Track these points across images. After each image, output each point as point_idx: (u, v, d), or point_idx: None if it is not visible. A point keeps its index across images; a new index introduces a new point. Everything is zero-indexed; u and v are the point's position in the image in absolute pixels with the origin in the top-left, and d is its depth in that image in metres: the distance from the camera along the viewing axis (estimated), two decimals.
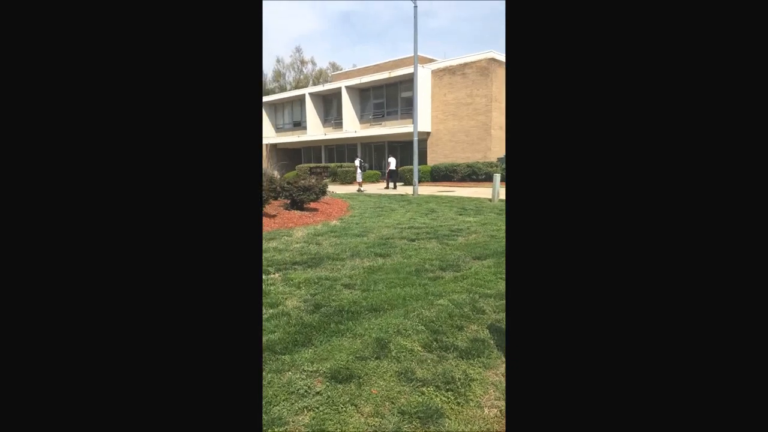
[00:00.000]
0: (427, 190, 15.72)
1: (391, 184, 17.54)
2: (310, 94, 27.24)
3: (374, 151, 25.38)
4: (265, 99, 31.01)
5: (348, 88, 25.04)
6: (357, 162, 19.15)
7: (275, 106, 31.09)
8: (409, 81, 21.58)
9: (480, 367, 2.45)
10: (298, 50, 64.15)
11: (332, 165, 24.89)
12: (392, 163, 17.82)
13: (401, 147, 23.82)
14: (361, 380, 2.30)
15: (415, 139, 13.60)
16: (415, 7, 12.89)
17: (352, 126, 25.30)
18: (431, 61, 23.14)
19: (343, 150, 26.86)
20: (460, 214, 8.50)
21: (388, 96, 24.11)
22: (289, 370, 2.40)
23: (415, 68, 13.43)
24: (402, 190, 15.94)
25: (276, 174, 24.95)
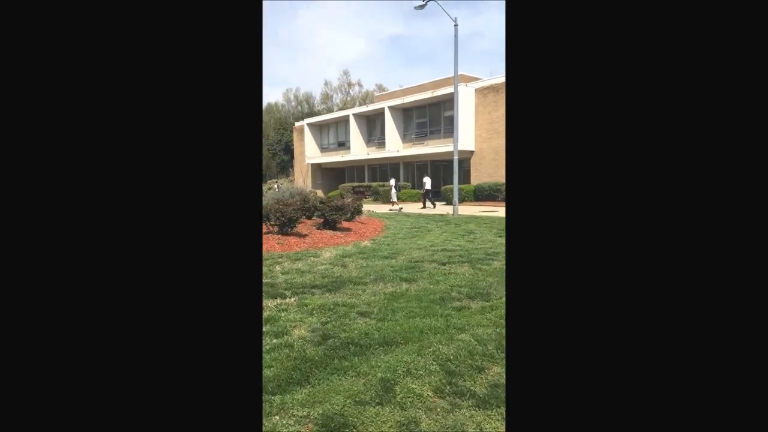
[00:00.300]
0: (468, 210, 15.23)
1: (429, 204, 17.42)
2: (354, 114, 27.60)
3: (417, 171, 25.17)
4: (310, 120, 31.79)
5: (391, 108, 25.13)
6: (392, 182, 19.20)
7: (320, 126, 31.76)
8: (452, 100, 21.34)
9: (498, 419, 2.08)
10: (346, 73, 65.83)
11: (374, 184, 24.87)
12: (427, 182, 17.73)
13: (444, 166, 23.46)
14: (355, 430, 1.99)
15: (455, 157, 13.25)
16: (456, 25, 12.71)
17: (395, 145, 25.28)
18: (476, 79, 22.82)
19: (386, 169, 26.85)
20: (500, 236, 8.02)
21: (431, 115, 23.96)
22: (277, 414, 2.13)
23: (456, 86, 13.16)
24: (442, 209, 15.53)
25: (319, 192, 25.22)
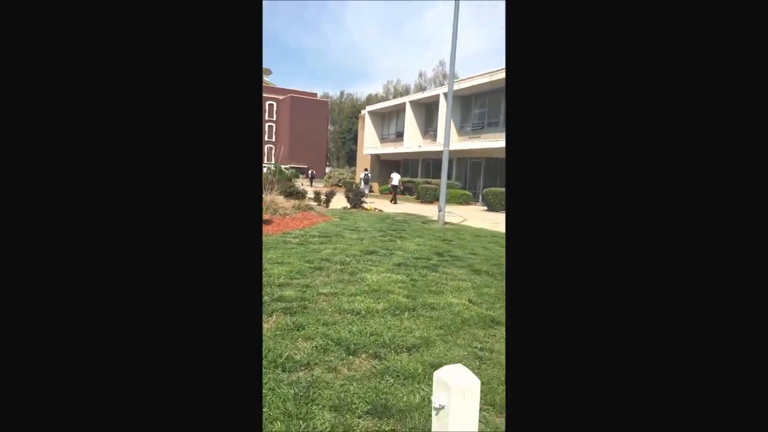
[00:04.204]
0: (478, 218, 12.00)
1: (387, 201, 17.70)
2: (411, 102, 24.94)
3: (470, 168, 21.79)
4: (372, 108, 29.83)
5: (447, 95, 22.01)
6: (362, 174, 18.70)
7: (382, 115, 29.63)
8: None
9: None
10: (441, 64, 62.68)
11: (417, 180, 22.16)
12: (395, 178, 17.81)
13: (504, 165, 19.76)
14: None
15: (446, 149, 10.18)
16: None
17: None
18: None
19: (439, 164, 23.83)
20: (393, 271, 5.11)
21: (491, 105, 20.39)
22: None
23: (451, 75, 10.12)
24: (454, 214, 12.39)
25: (375, 185, 23.00)
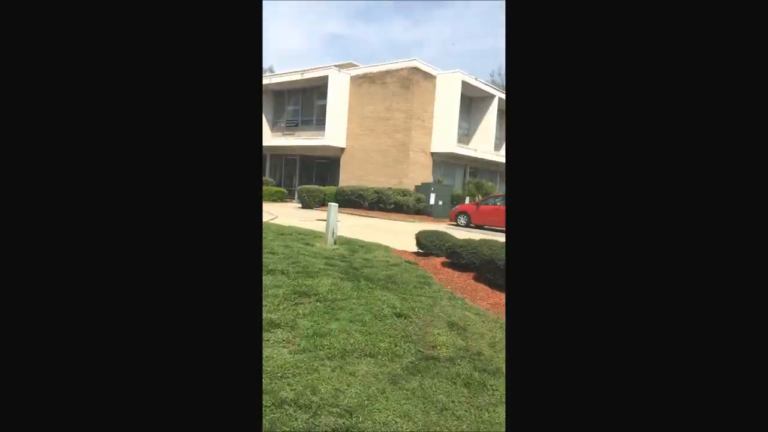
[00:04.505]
0: (290, 215, 11.99)
1: None
2: None
3: (285, 166, 21.54)
4: None
5: None
6: None
7: None
8: (325, 85, 18.05)
9: None
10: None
11: None
12: None
13: (319, 165, 20.07)
14: None
15: None
16: None
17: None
18: (352, 66, 19.70)
19: None
20: None
21: (304, 102, 20.48)
22: None
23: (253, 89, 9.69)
24: (265, 212, 12.01)
25: None
